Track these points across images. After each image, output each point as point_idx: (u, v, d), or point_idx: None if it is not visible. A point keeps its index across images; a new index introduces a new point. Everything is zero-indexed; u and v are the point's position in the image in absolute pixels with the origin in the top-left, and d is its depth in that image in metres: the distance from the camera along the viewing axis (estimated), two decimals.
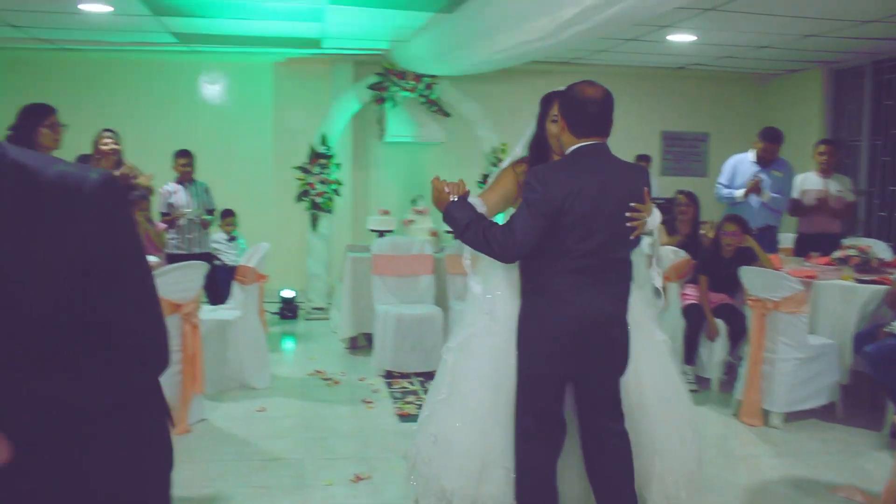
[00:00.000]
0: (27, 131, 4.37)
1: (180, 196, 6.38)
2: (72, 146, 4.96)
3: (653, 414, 3.12)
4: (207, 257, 6.32)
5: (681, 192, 6.33)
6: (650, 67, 8.76)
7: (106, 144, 5.80)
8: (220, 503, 3.66)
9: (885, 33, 6.58)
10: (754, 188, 6.31)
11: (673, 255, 5.70)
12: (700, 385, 5.48)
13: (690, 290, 5.67)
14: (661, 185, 8.36)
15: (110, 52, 8.05)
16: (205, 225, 6.48)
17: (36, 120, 4.42)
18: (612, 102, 2.90)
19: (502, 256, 2.92)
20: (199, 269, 4.79)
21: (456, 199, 3.02)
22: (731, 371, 5.48)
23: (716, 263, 5.53)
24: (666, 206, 6.25)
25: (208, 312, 5.48)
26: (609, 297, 2.90)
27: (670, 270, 5.47)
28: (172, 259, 6.00)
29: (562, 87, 3.06)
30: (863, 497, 3.72)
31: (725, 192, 6.60)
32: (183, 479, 3.82)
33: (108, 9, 5.95)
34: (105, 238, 1.24)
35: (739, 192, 6.43)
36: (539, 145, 3.23)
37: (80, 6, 5.90)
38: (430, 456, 3.10)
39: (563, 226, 2.80)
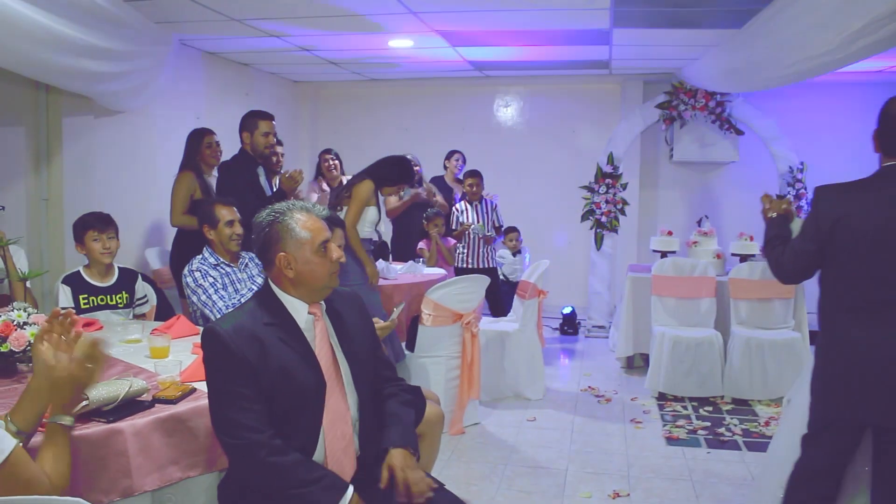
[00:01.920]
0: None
1: (468, 214, 6.83)
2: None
3: None
4: (492, 272, 6.67)
5: None
6: None
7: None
8: (482, 502, 3.90)
9: None
10: None
11: None
12: None
13: None
14: None
15: (413, 80, 8.81)
16: (488, 241, 6.85)
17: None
18: None
19: (777, 276, 2.85)
20: (481, 282, 5.12)
21: (774, 216, 2.99)
22: None
23: None
24: None
25: (488, 323, 5.80)
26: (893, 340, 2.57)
27: None
28: (460, 272, 6.44)
29: None
30: None
31: None
32: (451, 476, 4.13)
33: (410, 43, 6.56)
34: None
35: None
36: None
37: (389, 43, 6.57)
38: None
39: (835, 253, 2.62)
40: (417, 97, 9.03)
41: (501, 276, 7.38)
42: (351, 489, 2.20)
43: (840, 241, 2.61)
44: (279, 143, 5.79)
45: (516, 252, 7.70)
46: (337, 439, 2.33)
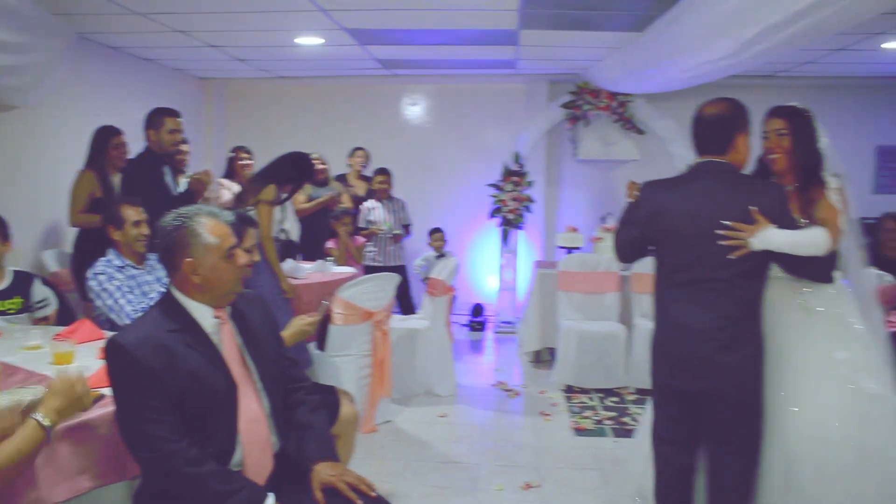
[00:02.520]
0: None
1: (378, 212, 6.84)
2: None
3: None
4: (401, 270, 6.70)
5: (888, 214, 5.91)
6: (863, 77, 8.19)
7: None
8: (397, 499, 3.92)
9: None
10: None
11: (878, 279, 5.34)
12: None
13: None
14: (876, 203, 7.81)
15: (322, 78, 8.75)
16: (396, 239, 6.87)
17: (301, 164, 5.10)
18: (724, 121, 2.86)
19: (616, 256, 3.25)
20: (391, 280, 5.14)
21: (629, 202, 3.22)
22: None
23: None
24: (873, 228, 5.89)
25: (399, 321, 5.83)
26: (699, 314, 2.85)
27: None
28: (369, 270, 6.45)
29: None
30: None
31: None
32: (365, 474, 4.10)
33: (320, 41, 6.52)
34: None
35: None
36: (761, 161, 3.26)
37: (296, 40, 6.51)
38: None
39: (654, 240, 2.96)
40: (326, 95, 8.95)
41: (423, 278, 7.41)
42: (271, 498, 2.21)
43: (659, 230, 2.93)
44: (185, 141, 5.65)
45: (440, 253, 7.74)
46: (254, 440, 2.32)
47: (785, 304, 3.01)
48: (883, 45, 6.52)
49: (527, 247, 8.48)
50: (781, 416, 2.93)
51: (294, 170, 5.00)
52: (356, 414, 3.38)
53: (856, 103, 8.40)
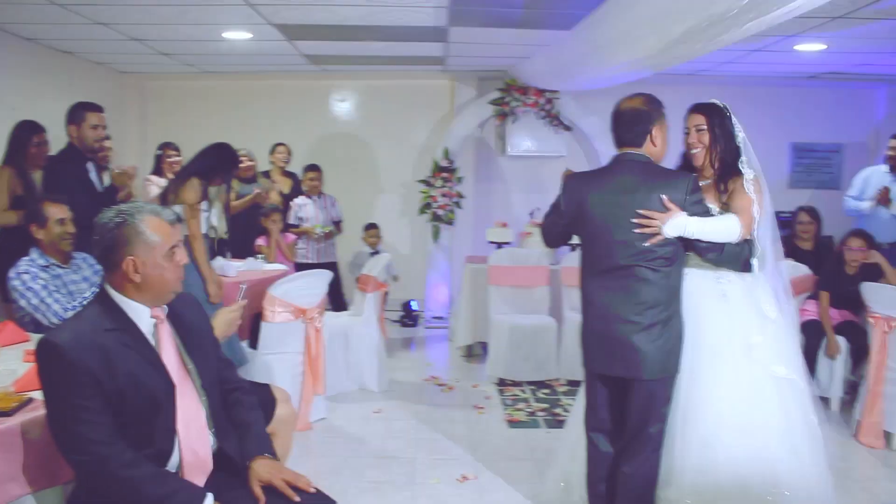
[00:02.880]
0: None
1: (308, 209, 6.78)
2: None
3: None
4: (333, 266, 6.66)
5: (802, 208, 6.17)
6: (779, 77, 8.50)
7: (243, 162, 6.36)
8: (334, 496, 3.84)
9: None
10: (882, 198, 6.07)
11: (793, 269, 5.57)
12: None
13: (810, 306, 5.53)
14: (791, 198, 8.13)
15: (249, 74, 8.62)
16: (328, 237, 6.83)
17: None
18: (640, 114, 3.01)
19: (543, 241, 3.40)
20: (323, 277, 5.11)
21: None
22: (852, 390, 5.30)
23: (839, 279, 5.38)
24: (788, 222, 6.14)
25: (331, 318, 5.80)
26: (620, 301, 2.98)
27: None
28: (300, 268, 6.39)
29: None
30: None
31: (853, 204, 6.38)
32: (301, 473, 4.10)
33: (248, 35, 6.43)
34: None
35: (866, 204, 6.21)
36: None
37: (224, 34, 6.40)
38: None
39: (578, 231, 3.12)
40: (254, 91, 8.82)
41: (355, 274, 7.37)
42: (209, 498, 2.18)
43: (580, 220, 3.08)
44: (107, 137, 5.50)
45: (375, 250, 7.71)
46: (193, 440, 2.29)
47: (704, 291, 3.14)
48: (796, 47, 6.78)
49: (458, 242, 8.53)
50: (699, 400, 3.06)
51: (218, 160, 4.83)
52: (293, 412, 3.36)
53: (772, 102, 8.73)
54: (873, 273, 5.24)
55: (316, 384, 4.99)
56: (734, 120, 3.20)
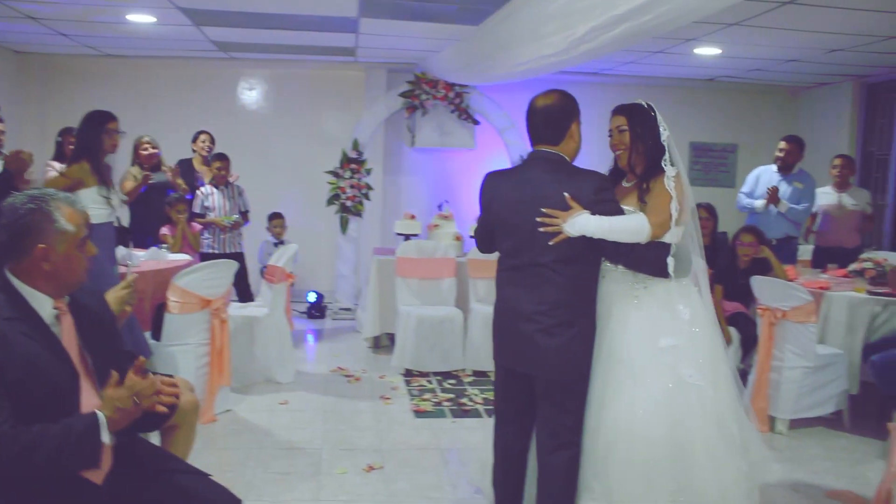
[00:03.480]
0: (92, 137, 4.69)
1: (215, 198, 6.66)
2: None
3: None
4: (239, 257, 6.57)
5: (699, 205, 6.43)
6: (679, 79, 8.84)
7: (146, 149, 6.20)
8: (239, 488, 3.87)
9: None
10: (772, 197, 6.40)
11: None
12: None
13: None
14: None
15: (155, 59, 8.39)
16: (235, 226, 6.72)
17: (99, 126, 4.72)
18: (557, 112, 2.99)
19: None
20: (229, 268, 5.05)
21: None
22: (742, 378, 5.56)
23: (731, 273, 5.64)
24: None
25: (237, 309, 5.74)
26: (525, 298, 2.99)
27: None
28: (206, 258, 6.28)
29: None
30: (856, 502, 3.83)
31: (745, 201, 6.71)
32: (206, 465, 4.02)
33: (152, 19, 6.26)
34: None
35: (759, 203, 6.53)
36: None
37: (128, 17, 6.21)
38: None
39: (492, 227, 3.14)
40: (160, 76, 8.60)
41: (261, 265, 7.28)
42: (100, 414, 2.10)
43: (494, 217, 3.12)
44: (0, 119, 5.27)
45: (280, 240, 7.61)
46: None
47: (619, 295, 3.11)
48: (695, 50, 7.07)
49: (366, 234, 8.53)
50: (605, 404, 3.04)
51: (87, 128, 4.72)
52: (197, 403, 3.31)
53: (672, 102, 8.99)
54: (763, 267, 5.51)
55: (221, 375, 4.93)
56: (659, 119, 3.17)
